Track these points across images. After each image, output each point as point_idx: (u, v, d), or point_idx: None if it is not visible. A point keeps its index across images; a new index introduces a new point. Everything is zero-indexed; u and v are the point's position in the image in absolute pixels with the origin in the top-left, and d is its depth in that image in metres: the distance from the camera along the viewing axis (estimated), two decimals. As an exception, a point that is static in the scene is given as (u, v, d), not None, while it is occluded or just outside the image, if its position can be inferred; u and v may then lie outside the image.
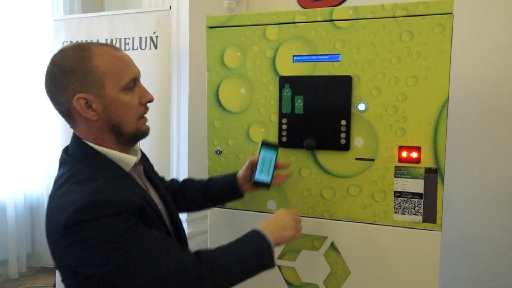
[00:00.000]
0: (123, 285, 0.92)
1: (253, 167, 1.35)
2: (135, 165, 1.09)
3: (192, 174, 2.69)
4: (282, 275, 1.56)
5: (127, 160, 1.05)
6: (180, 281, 0.93)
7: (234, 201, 1.46)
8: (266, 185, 1.31)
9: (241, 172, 1.39)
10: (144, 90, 1.07)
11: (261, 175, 1.29)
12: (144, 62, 2.26)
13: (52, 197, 0.99)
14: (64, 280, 1.03)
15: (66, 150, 1.07)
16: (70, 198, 0.91)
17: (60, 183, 0.98)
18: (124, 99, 1.01)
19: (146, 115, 1.09)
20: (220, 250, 1.04)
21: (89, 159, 1.01)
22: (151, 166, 1.27)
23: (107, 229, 0.89)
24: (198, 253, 1.01)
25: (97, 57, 0.98)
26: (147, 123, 1.09)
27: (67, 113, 1.01)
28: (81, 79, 0.97)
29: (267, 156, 1.29)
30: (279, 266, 1.55)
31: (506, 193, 2.33)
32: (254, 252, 1.05)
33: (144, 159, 1.20)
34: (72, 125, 1.05)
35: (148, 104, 1.09)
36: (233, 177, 1.39)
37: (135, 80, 1.04)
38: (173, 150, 2.71)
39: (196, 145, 2.69)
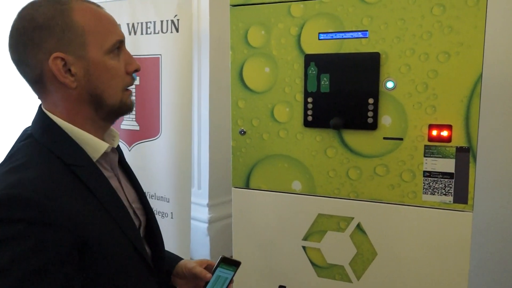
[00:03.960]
0: None
1: (196, 278, 1.05)
2: (106, 153, 0.90)
3: (213, 154, 2.71)
4: (307, 256, 1.54)
5: (97, 146, 0.87)
6: None
7: (258, 182, 1.41)
8: None
9: (183, 269, 1.08)
10: (130, 57, 0.91)
11: None
12: (165, 45, 2.25)
13: None
14: None
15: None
16: None
17: None
18: (109, 64, 0.85)
19: (131, 88, 0.93)
20: None
21: (47, 137, 0.83)
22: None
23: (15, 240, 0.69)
24: None
25: (78, 12, 0.82)
26: (132, 97, 0.93)
27: (38, 79, 0.83)
28: (59, 36, 0.80)
29: (223, 275, 1.04)
30: (304, 247, 1.54)
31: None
32: None
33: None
34: (40, 95, 0.87)
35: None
36: (174, 264, 1.11)
37: (121, 42, 0.89)
38: (195, 132, 2.72)
39: (217, 126, 2.70)
